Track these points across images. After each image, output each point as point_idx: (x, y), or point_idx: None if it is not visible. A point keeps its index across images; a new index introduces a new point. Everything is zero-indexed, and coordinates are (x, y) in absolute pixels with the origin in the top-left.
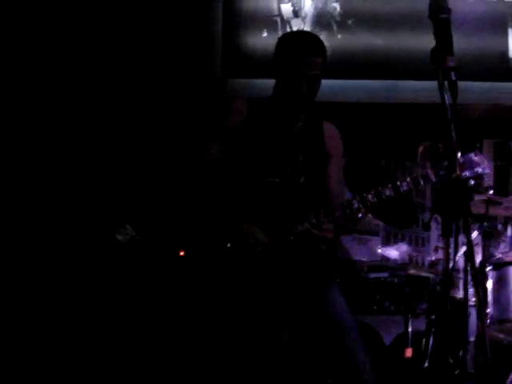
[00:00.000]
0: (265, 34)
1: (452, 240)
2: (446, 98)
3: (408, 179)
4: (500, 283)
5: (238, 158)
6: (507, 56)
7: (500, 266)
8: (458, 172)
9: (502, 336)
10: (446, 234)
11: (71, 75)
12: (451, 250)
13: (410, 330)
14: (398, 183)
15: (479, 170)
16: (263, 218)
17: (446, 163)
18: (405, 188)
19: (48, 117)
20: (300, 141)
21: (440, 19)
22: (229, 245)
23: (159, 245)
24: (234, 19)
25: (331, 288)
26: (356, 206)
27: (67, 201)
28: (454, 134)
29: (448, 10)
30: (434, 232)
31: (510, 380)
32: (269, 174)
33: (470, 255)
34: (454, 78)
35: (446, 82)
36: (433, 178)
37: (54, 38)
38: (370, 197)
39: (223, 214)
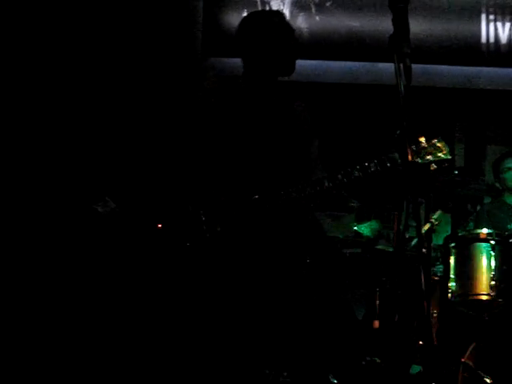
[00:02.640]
0: (245, 14)
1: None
2: (402, 81)
3: (375, 161)
4: (462, 259)
5: (217, 136)
6: (480, 41)
7: (462, 242)
8: (411, 158)
9: (462, 310)
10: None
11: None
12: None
13: (377, 302)
14: (366, 164)
15: (441, 155)
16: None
17: (413, 147)
18: (372, 169)
19: (29, 95)
20: (272, 120)
21: (398, 8)
22: (203, 218)
23: (139, 217)
24: None
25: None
26: (326, 184)
27: (48, 174)
28: (406, 117)
29: (406, 0)
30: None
31: (470, 350)
32: (245, 153)
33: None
34: (408, 64)
35: (401, 66)
36: (399, 161)
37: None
38: (339, 176)
39: (198, 187)
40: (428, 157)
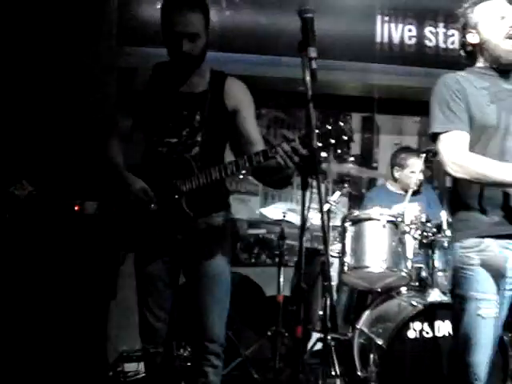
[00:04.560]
0: (158, 6)
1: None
2: (308, 80)
3: (275, 147)
4: (356, 236)
5: (143, 120)
6: (374, 40)
7: (356, 221)
8: (313, 144)
9: (357, 281)
10: (303, 188)
11: None
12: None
13: (281, 279)
14: (267, 150)
15: (344, 137)
16: (160, 176)
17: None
18: (271, 154)
19: None
20: (199, 101)
21: (306, 17)
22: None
23: (56, 199)
24: None
25: (214, 249)
26: (231, 169)
27: None
28: (312, 111)
29: (312, 11)
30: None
31: (363, 317)
32: (167, 134)
33: (320, 209)
34: (314, 66)
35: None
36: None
37: None
38: (242, 162)
39: (117, 171)
40: (332, 141)
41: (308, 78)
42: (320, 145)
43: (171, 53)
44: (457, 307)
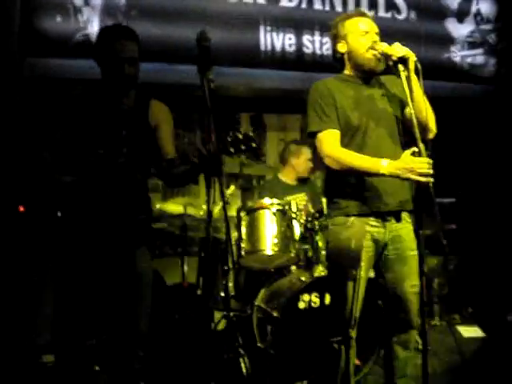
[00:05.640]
0: (59, 19)
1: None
2: (207, 96)
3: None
4: (251, 224)
5: (75, 134)
6: (259, 48)
7: (250, 211)
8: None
9: (253, 263)
10: (207, 187)
11: None
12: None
13: (185, 268)
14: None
15: (253, 144)
16: (92, 184)
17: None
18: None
19: None
20: (126, 117)
21: (203, 46)
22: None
23: None
24: (30, 4)
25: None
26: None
27: None
28: (212, 121)
29: (208, 40)
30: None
31: (259, 295)
32: (97, 146)
33: (223, 204)
34: (212, 86)
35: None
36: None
37: None
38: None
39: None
40: (242, 147)
41: (207, 95)
42: (232, 150)
43: (112, 75)
44: (333, 272)
